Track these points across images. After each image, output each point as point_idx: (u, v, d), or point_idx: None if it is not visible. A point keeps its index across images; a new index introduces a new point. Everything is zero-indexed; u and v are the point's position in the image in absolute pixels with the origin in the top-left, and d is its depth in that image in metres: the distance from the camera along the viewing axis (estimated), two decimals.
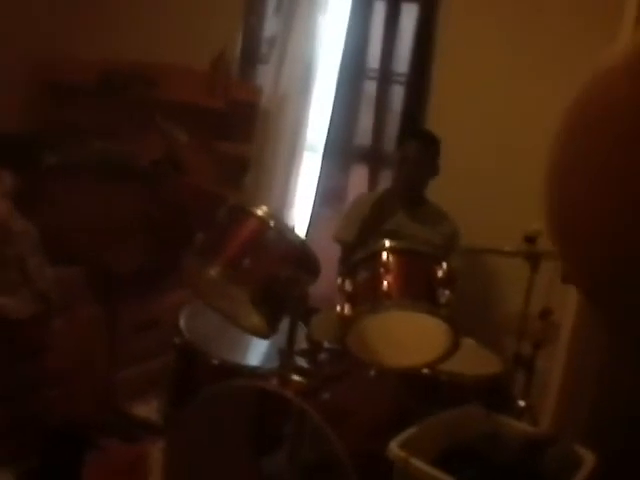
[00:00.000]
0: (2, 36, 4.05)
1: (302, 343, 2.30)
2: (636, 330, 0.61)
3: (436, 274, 2.09)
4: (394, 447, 2.00)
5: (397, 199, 3.17)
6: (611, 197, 0.57)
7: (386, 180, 3.83)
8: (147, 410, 2.99)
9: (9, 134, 3.65)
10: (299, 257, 2.05)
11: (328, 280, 2.38)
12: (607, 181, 0.57)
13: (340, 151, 3.94)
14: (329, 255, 3.07)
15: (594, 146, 0.59)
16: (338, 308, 2.10)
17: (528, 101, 3.39)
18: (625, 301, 0.58)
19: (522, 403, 2.82)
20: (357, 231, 3.02)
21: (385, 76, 3.82)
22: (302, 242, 2.09)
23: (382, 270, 2.08)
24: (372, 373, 2.36)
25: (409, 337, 2.21)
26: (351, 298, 2.10)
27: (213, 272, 2.01)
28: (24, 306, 2.66)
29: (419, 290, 2.11)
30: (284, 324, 2.11)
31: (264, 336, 2.13)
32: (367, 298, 2.10)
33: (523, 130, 3.41)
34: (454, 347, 2.10)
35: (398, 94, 3.82)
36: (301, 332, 2.26)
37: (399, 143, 3.58)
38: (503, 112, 3.50)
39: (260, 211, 2.03)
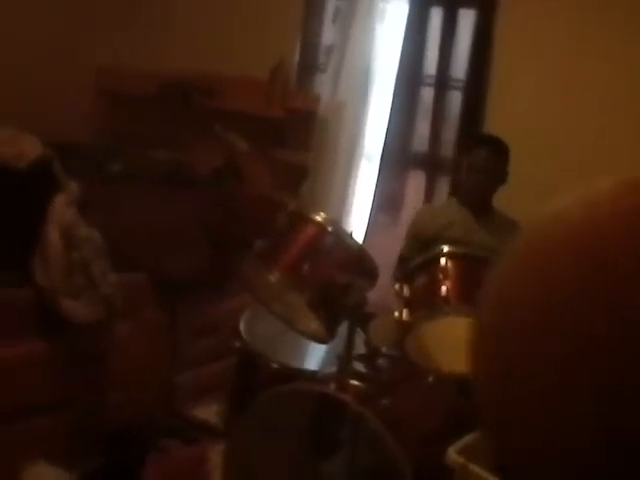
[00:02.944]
0: (66, 48, 4.17)
1: (360, 348, 2.31)
2: None
3: None
4: (452, 453, 1.99)
5: (464, 206, 3.15)
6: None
7: (443, 186, 3.81)
8: (207, 413, 3.02)
9: (74, 143, 3.74)
10: (357, 262, 2.06)
11: (385, 286, 2.38)
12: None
13: (397, 158, 3.93)
14: (386, 261, 3.07)
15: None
16: (396, 314, 2.10)
17: (586, 106, 3.34)
18: None
19: None
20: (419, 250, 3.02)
21: (442, 82, 3.81)
22: (360, 247, 2.10)
23: (440, 276, 2.08)
24: (430, 379, 2.35)
25: (467, 343, 2.19)
26: (409, 303, 2.10)
27: (272, 277, 2.03)
28: (90, 310, 2.73)
29: (478, 295, 2.10)
30: (342, 329, 2.12)
31: (322, 341, 2.15)
32: (425, 304, 2.10)
33: (581, 136, 3.36)
34: None
35: (455, 100, 3.80)
36: (359, 337, 2.26)
37: (462, 149, 3.53)
38: (561, 117, 3.46)
39: (319, 217, 2.05)
